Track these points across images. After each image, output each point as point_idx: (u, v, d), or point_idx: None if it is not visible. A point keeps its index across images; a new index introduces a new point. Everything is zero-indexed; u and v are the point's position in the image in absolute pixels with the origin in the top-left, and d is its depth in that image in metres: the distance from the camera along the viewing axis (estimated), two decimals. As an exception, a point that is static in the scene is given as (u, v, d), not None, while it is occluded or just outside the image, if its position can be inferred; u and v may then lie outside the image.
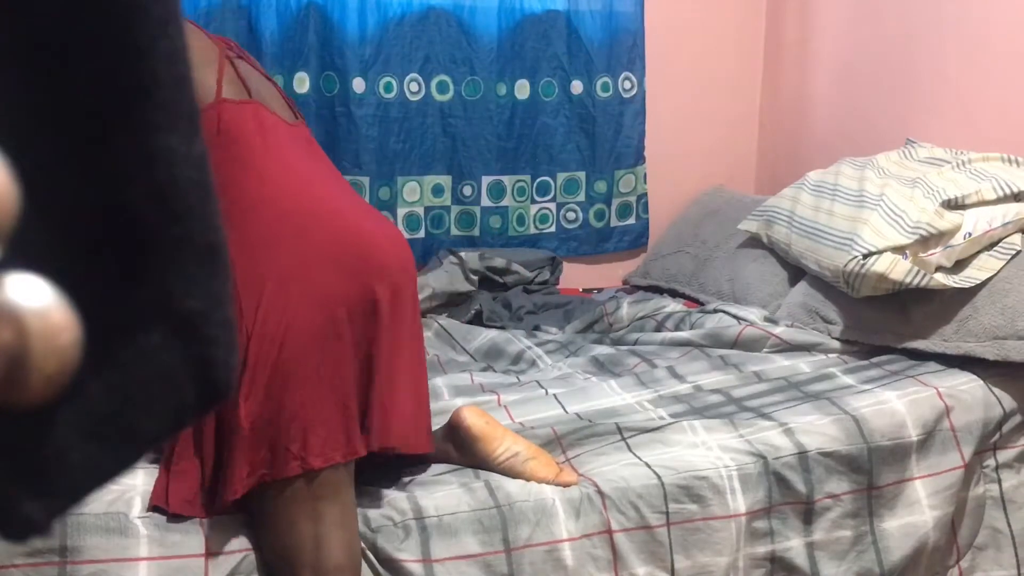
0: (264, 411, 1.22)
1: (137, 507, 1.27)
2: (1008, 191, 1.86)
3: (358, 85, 2.52)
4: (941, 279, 1.78)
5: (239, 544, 1.27)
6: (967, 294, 1.81)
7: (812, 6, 2.84)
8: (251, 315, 1.22)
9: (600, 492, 1.42)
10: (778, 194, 2.34)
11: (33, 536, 0.32)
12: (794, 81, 2.94)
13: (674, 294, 2.61)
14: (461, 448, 1.47)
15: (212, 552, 1.25)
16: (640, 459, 1.50)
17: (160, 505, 1.26)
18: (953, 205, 1.84)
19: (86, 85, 0.33)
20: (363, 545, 1.31)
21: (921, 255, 1.80)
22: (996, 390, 1.73)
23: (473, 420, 1.45)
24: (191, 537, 1.25)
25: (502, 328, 2.37)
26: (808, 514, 1.54)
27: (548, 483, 1.43)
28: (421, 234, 2.70)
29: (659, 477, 1.46)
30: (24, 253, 0.29)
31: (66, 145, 0.32)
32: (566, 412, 1.70)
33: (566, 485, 1.43)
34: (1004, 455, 1.73)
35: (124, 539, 1.23)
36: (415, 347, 1.37)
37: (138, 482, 1.31)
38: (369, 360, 1.27)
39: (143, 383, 0.34)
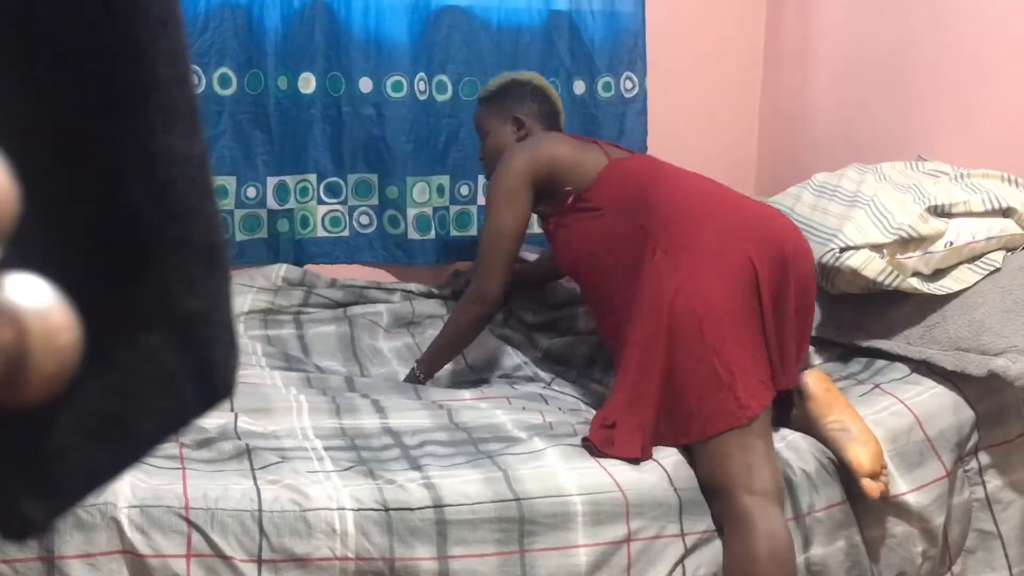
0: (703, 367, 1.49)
1: (123, 501, 1.25)
2: (996, 205, 1.83)
3: (365, 85, 2.51)
4: (915, 283, 1.76)
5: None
6: (940, 302, 1.78)
7: (812, 6, 2.84)
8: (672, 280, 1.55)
9: (625, 499, 1.41)
10: (783, 192, 2.34)
11: (32, 536, 0.32)
12: (794, 81, 2.94)
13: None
14: (799, 406, 1.61)
15: (194, 554, 1.24)
16: (657, 462, 1.49)
17: (604, 450, 1.47)
18: (939, 212, 1.82)
19: (86, 85, 0.33)
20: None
21: (899, 257, 1.78)
22: (965, 392, 1.69)
23: (812, 381, 1.61)
24: (172, 536, 1.25)
25: (502, 339, 2.29)
26: (798, 528, 1.53)
27: (862, 475, 1.48)
28: (431, 235, 2.64)
29: (672, 483, 1.45)
30: (24, 253, 0.29)
31: (66, 145, 0.32)
32: (561, 412, 1.69)
33: (870, 491, 1.48)
34: (985, 457, 1.70)
35: (109, 534, 1.22)
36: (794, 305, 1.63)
37: (125, 478, 1.29)
38: (763, 315, 1.56)
39: (143, 383, 0.34)
